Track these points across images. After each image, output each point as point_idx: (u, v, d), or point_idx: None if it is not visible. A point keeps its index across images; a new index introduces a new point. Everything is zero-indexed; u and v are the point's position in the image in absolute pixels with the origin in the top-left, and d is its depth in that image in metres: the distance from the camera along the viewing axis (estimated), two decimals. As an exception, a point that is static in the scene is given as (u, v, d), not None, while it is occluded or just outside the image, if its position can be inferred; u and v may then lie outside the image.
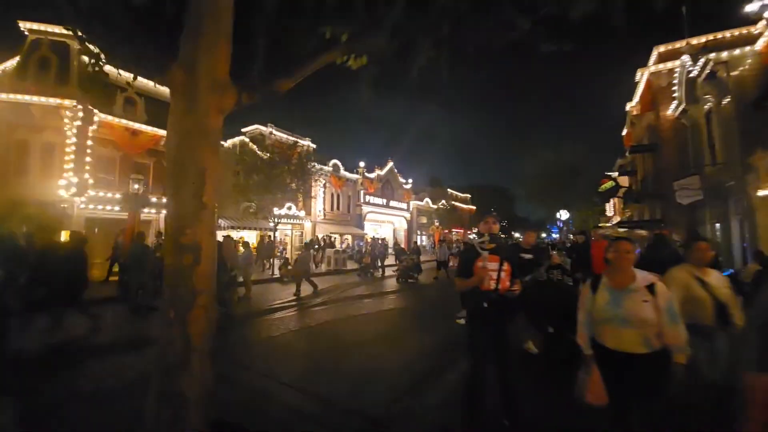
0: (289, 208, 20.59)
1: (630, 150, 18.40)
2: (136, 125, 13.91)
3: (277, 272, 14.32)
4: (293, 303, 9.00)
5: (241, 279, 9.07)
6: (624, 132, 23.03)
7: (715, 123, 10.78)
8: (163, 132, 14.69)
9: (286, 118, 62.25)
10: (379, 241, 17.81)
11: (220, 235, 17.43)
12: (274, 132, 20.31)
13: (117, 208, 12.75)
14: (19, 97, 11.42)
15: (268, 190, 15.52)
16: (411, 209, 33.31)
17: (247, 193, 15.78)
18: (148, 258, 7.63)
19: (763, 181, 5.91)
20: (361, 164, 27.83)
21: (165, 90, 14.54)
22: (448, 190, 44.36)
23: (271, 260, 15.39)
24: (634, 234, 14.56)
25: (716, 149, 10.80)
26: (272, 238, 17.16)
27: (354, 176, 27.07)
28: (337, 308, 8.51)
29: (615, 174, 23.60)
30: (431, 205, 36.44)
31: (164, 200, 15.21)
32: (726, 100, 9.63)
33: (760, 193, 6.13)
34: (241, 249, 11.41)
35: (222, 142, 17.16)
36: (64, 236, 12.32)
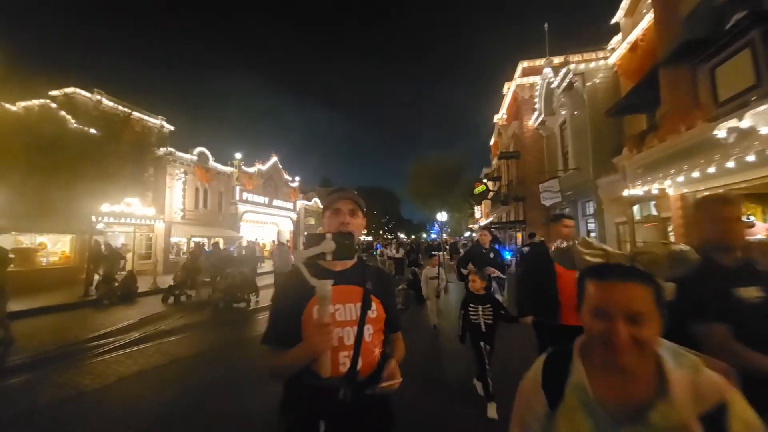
0: (129, 205, 15.61)
1: (498, 156, 20.40)
2: None
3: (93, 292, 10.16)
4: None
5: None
6: (492, 141, 25.91)
7: (569, 131, 12.18)
8: None
9: (143, 97, 50.79)
10: (245, 244, 14.75)
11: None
12: (105, 101, 15.04)
13: None
14: None
15: (77, 176, 10.98)
16: (298, 209, 30.63)
17: (40, 180, 10.84)
18: None
19: (630, 180, 6.19)
20: (238, 155, 23.81)
21: None
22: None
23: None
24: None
25: (569, 156, 12.22)
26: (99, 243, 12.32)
27: (228, 169, 22.89)
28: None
29: (484, 180, 26.41)
30: (320, 206, 34.43)
31: None
32: (580, 110, 10.83)
33: (626, 192, 6.47)
34: None
35: (4, 103, 11.63)
36: None
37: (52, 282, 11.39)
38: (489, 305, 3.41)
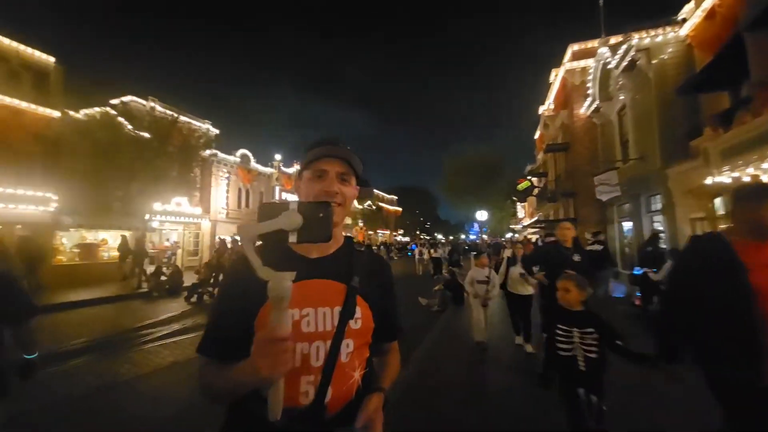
0: (179, 204, 16.59)
1: (544, 150, 18.98)
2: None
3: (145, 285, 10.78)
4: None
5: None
6: (537, 134, 24.29)
7: (629, 117, 10.86)
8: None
9: (194, 104, 54.69)
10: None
11: (65, 237, 12.93)
12: (158, 107, 16.11)
13: None
14: None
15: (133, 178, 11.78)
16: (334, 209, 31.05)
17: (104, 181, 11.76)
18: None
19: (714, 166, 5.19)
20: (278, 157, 24.63)
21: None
22: (374, 190, 43.20)
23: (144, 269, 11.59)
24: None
25: (630, 144, 10.90)
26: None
27: (268, 170, 23.74)
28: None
29: (528, 177, 24.84)
30: (357, 205, 34.65)
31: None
32: (644, 91, 9.57)
33: (710, 181, 5.46)
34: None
35: (72, 113, 12.83)
36: None
37: (112, 274, 12.27)
38: (592, 329, 2.11)
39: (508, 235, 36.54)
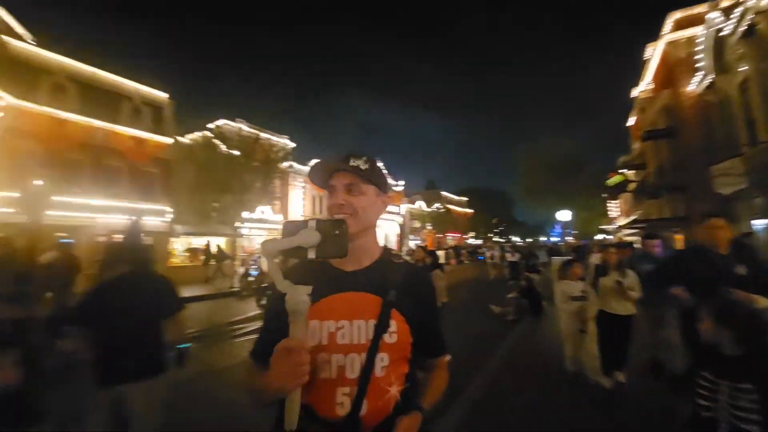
0: (262, 212, 18.44)
1: (642, 138, 16.38)
2: (63, 114, 11.76)
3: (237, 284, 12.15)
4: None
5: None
6: (631, 121, 21.16)
7: (754, 92, 8.76)
8: (99, 123, 12.63)
9: (273, 121, 60.68)
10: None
11: (177, 243, 15.30)
12: (244, 128, 18.20)
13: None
14: None
15: (226, 190, 13.42)
16: (403, 212, 31.22)
17: (203, 194, 13.67)
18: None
19: None
20: (347, 164, 25.76)
21: (105, 77, 12.46)
22: (443, 192, 42.38)
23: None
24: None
25: (758, 124, 8.77)
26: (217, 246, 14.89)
27: (339, 177, 25.00)
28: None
29: (621, 171, 21.61)
30: (425, 209, 34.38)
31: (105, 203, 13.16)
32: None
33: None
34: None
35: (180, 138, 15.22)
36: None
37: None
38: (752, 386, 1.37)
39: (598, 236, 32.31)
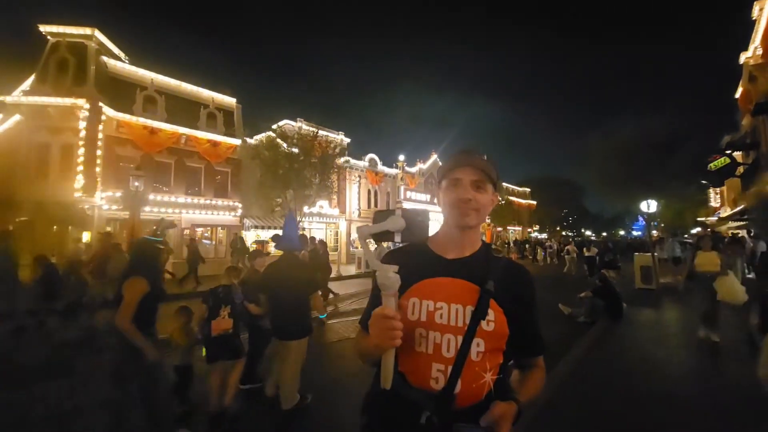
0: (321, 207, 19.21)
1: (753, 111, 13.54)
2: (155, 123, 13.42)
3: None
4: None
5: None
6: (738, 92, 17.64)
7: None
8: (182, 129, 14.16)
9: (331, 118, 62.86)
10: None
11: (246, 236, 16.65)
12: (304, 126, 19.07)
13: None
14: (39, 99, 11.39)
15: (287, 186, 14.20)
16: (459, 206, 30.20)
17: (267, 190, 14.65)
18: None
19: None
20: (401, 158, 25.62)
21: (186, 87, 13.97)
22: (503, 183, 40.06)
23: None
24: None
25: None
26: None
27: (393, 171, 24.98)
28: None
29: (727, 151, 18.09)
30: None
31: (187, 200, 14.82)
32: None
33: None
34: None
35: (247, 138, 16.48)
36: (87, 237, 12.20)
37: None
38: None
39: (694, 230, 27.59)
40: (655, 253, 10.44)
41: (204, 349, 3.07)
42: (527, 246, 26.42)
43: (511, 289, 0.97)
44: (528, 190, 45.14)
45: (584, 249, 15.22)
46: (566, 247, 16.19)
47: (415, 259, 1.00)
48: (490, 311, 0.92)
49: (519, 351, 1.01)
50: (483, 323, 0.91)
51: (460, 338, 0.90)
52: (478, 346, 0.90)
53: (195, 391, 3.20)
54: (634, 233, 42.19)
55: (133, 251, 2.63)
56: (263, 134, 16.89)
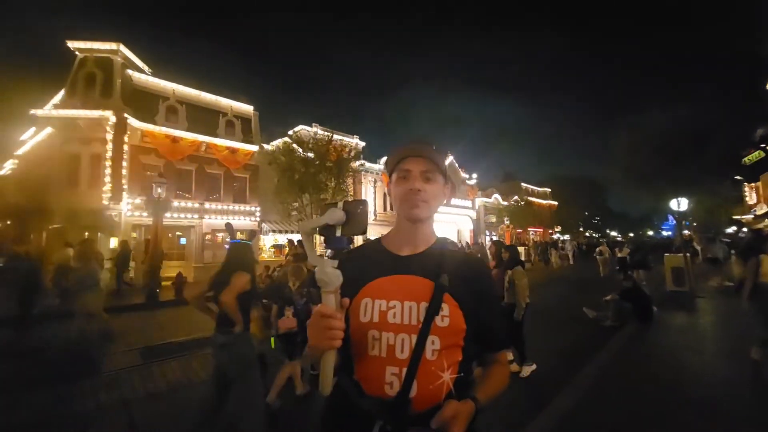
0: (337, 210, 19.33)
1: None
2: (177, 132, 13.89)
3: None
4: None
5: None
6: (775, 82, 16.58)
7: None
8: (203, 137, 14.57)
9: (345, 122, 63.44)
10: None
11: (263, 240, 16.93)
12: (319, 131, 19.26)
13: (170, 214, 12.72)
14: (69, 112, 12.00)
15: (303, 190, 14.35)
16: (477, 207, 29.72)
17: (283, 195, 14.85)
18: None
19: None
20: (416, 160, 25.49)
21: (205, 97, 14.40)
22: (522, 184, 39.17)
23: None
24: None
25: None
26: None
27: (409, 173, 24.87)
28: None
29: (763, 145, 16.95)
30: (501, 202, 32.20)
31: (207, 205, 15.21)
32: None
33: None
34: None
35: (264, 145, 16.79)
36: (115, 243, 12.69)
37: (293, 270, 15.34)
38: None
39: (730, 229, 25.87)
40: (688, 254, 9.85)
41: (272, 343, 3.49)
42: (539, 249, 24.43)
43: (468, 282, 0.94)
44: (549, 190, 43.91)
45: (617, 250, 14.59)
46: (598, 248, 15.55)
47: (369, 258, 0.98)
48: (444, 306, 0.88)
49: (479, 346, 0.96)
50: (437, 319, 0.86)
51: (414, 337, 0.85)
52: (433, 344, 0.85)
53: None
54: (664, 233, 40.26)
55: (232, 252, 2.71)
56: (279, 140, 17.20)
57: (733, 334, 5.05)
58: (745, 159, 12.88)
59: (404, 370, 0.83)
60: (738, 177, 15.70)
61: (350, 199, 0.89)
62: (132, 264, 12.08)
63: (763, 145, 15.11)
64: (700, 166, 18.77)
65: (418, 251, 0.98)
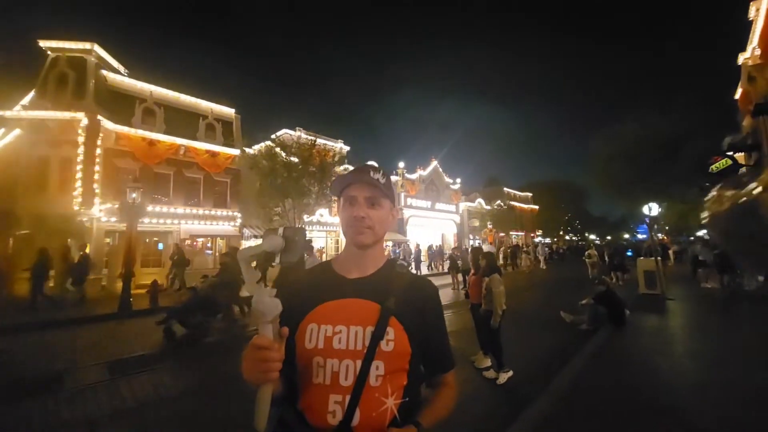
0: (321, 215, 19.17)
1: (753, 111, 13.43)
2: (154, 135, 13.49)
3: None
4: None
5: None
6: (737, 93, 17.54)
7: None
8: (181, 140, 14.21)
9: (330, 127, 63.30)
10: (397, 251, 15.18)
11: (246, 245, 16.57)
12: (303, 135, 19.11)
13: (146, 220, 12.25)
14: (38, 113, 11.49)
15: (286, 195, 14.17)
16: (461, 211, 30.08)
17: (265, 200, 14.62)
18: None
19: None
20: (401, 165, 25.64)
21: (185, 99, 14.03)
22: (505, 189, 39.91)
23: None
24: None
25: None
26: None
27: (393, 178, 24.93)
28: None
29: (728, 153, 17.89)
30: (485, 206, 32.69)
31: (187, 210, 14.79)
32: None
33: None
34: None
35: (246, 149, 16.51)
36: (87, 249, 12.14)
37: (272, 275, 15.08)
38: None
39: (701, 232, 27.16)
40: (659, 257, 10.24)
41: None
42: (509, 252, 23.82)
43: (415, 304, 0.94)
44: (530, 194, 44.91)
45: (604, 253, 14.98)
46: (587, 252, 15.92)
47: (318, 281, 0.96)
48: (389, 329, 0.87)
49: (427, 368, 0.97)
50: (382, 343, 0.85)
51: (359, 363, 0.84)
52: (377, 369, 0.84)
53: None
54: (639, 236, 41.82)
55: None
56: (262, 144, 16.96)
57: (699, 335, 5.26)
58: (713, 167, 13.52)
59: (347, 397, 0.82)
60: (707, 184, 16.49)
61: (288, 226, 0.88)
62: (51, 273, 9.84)
63: (729, 153, 15.88)
64: (670, 175, 19.67)
65: (366, 274, 0.97)
